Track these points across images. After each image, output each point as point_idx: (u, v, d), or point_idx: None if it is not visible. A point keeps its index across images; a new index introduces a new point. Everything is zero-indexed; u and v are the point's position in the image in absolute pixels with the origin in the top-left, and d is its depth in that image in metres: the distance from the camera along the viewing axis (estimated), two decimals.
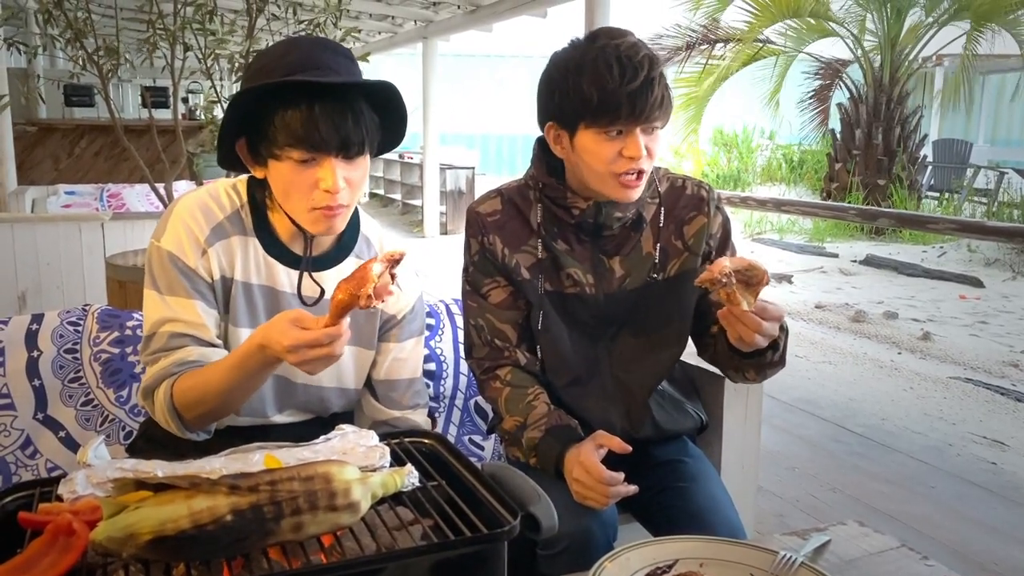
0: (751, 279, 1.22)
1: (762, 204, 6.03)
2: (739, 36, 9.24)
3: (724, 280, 1.19)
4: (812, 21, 9.37)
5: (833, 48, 10.11)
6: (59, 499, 0.93)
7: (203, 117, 3.71)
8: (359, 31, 3.96)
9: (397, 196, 12.30)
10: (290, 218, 1.30)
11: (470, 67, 16.74)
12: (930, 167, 11.06)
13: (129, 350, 1.68)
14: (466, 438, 1.93)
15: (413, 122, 1.43)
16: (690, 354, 1.63)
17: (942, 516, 2.92)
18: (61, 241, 4.00)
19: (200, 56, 3.28)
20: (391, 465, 1.03)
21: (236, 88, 1.55)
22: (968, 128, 14.55)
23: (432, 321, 1.90)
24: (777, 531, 1.96)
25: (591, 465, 1.35)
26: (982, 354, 5.12)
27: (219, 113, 3.37)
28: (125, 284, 3.10)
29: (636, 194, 1.41)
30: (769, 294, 1.26)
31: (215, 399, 1.23)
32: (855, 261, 8.27)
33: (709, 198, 1.53)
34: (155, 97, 5.29)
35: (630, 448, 1.39)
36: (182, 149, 3.49)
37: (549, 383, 1.54)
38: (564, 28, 1.52)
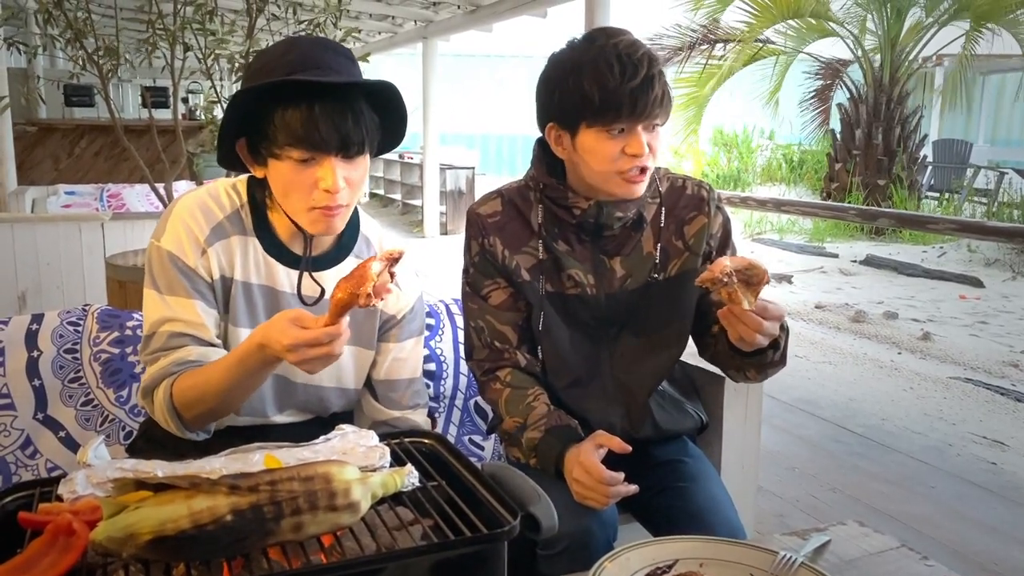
0: (751, 279, 1.22)
1: (762, 204, 6.03)
2: (739, 37, 9.23)
3: (725, 279, 1.19)
4: (812, 21, 9.37)
5: (833, 48, 10.11)
6: (59, 499, 0.93)
7: (203, 117, 3.71)
8: (359, 31, 3.96)
9: (397, 196, 12.30)
10: (290, 218, 1.30)
11: (470, 67, 16.74)
12: (930, 167, 11.06)
13: (129, 350, 1.68)
14: (466, 438, 1.93)
15: (413, 122, 1.43)
16: (690, 354, 1.63)
17: (942, 516, 2.92)
18: (61, 241, 4.00)
19: (200, 56, 3.28)
20: (391, 465, 1.03)
21: (236, 88, 1.55)
22: (968, 128, 14.55)
23: (432, 321, 1.90)
24: (777, 531, 1.96)
25: (591, 465, 1.35)
26: (982, 354, 5.12)
27: (219, 113, 3.37)
28: (125, 284, 3.10)
29: (641, 189, 1.41)
30: (769, 294, 1.26)
31: (214, 398, 1.23)
32: (855, 261, 8.27)
33: (709, 198, 1.53)
34: (155, 97, 5.29)
35: (630, 448, 1.39)
36: (182, 149, 3.49)
37: (549, 384, 1.54)
38: (564, 28, 1.52)
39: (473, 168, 10.69)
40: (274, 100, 1.20)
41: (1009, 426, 3.90)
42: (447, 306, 1.96)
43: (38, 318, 1.68)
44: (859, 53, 9.73)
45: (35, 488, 1.01)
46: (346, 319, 1.10)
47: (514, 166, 16.57)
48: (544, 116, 1.45)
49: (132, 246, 3.78)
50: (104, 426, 1.66)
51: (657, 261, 1.49)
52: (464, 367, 1.89)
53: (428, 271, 6.68)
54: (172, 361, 1.26)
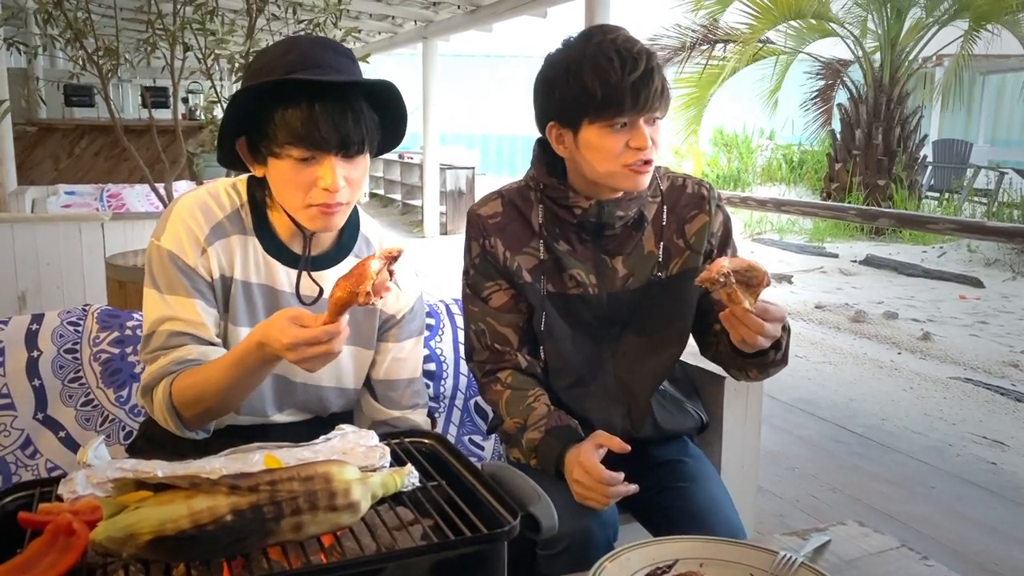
0: (751, 280, 1.22)
1: (762, 204, 6.03)
2: (739, 37, 9.23)
3: (723, 280, 1.19)
4: (813, 22, 9.37)
5: (834, 48, 10.11)
6: (59, 499, 0.93)
7: (203, 117, 3.71)
8: (359, 31, 3.96)
9: (397, 196, 12.30)
10: (289, 216, 1.30)
11: (470, 67, 16.74)
12: (930, 167, 11.06)
13: (129, 350, 1.68)
14: (466, 438, 1.93)
15: (413, 122, 1.43)
16: (690, 354, 1.63)
17: (942, 516, 2.92)
18: (61, 241, 4.00)
19: (200, 56, 3.28)
20: (391, 465, 1.03)
21: (236, 88, 1.55)
22: (968, 128, 14.55)
23: (432, 321, 1.90)
24: (777, 531, 1.96)
25: (591, 465, 1.35)
26: (982, 354, 5.12)
27: (219, 113, 3.37)
28: (125, 284, 3.10)
29: (646, 181, 1.41)
30: (769, 294, 1.25)
31: (214, 397, 1.23)
32: (855, 261, 8.27)
33: (710, 196, 1.53)
34: (155, 97, 5.29)
35: (629, 448, 1.39)
36: (182, 149, 3.49)
37: (550, 385, 1.54)
38: (564, 28, 1.52)
39: (473, 168, 10.69)
40: (274, 99, 1.20)
41: (1009, 426, 3.90)
42: (447, 306, 1.96)
43: (38, 318, 1.68)
44: (859, 53, 9.73)
45: (35, 488, 1.01)
46: (345, 317, 1.10)
47: (514, 166, 16.57)
48: (544, 115, 1.45)
49: (132, 246, 3.78)
50: (104, 426, 1.66)
51: (660, 260, 1.50)
52: (464, 367, 1.89)
53: (428, 271, 6.68)
54: (172, 360, 1.26)
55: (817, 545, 1.15)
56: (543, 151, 1.51)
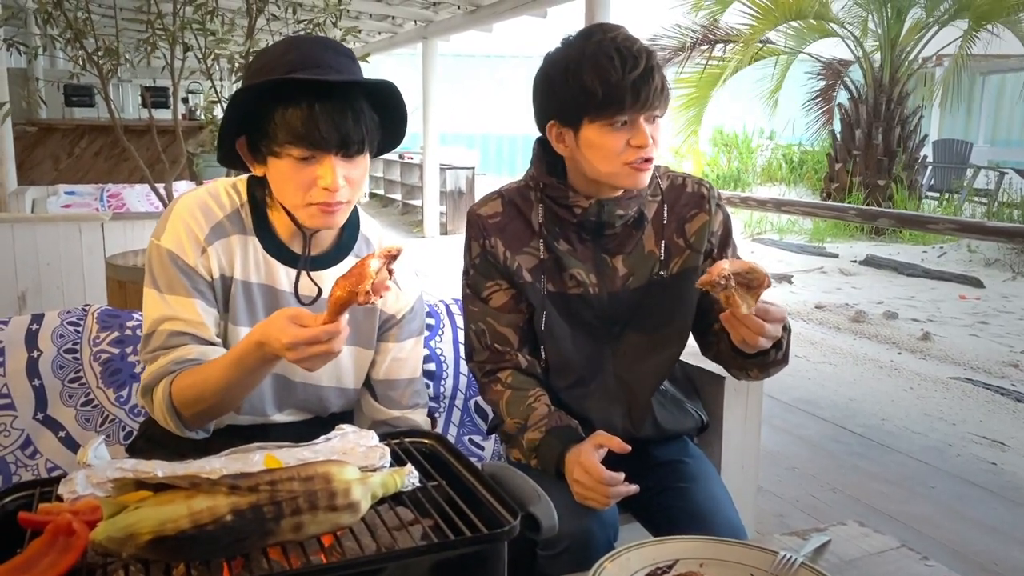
0: (752, 282, 1.22)
1: (762, 204, 6.03)
2: (740, 37, 9.23)
3: (723, 283, 1.19)
4: (813, 22, 9.37)
5: (834, 48, 10.11)
6: (59, 499, 0.93)
7: (203, 117, 3.71)
8: (359, 31, 3.96)
9: (397, 196, 12.30)
10: (289, 214, 1.30)
11: (470, 67, 16.74)
12: (930, 167, 11.06)
13: (129, 350, 1.68)
14: (466, 438, 1.93)
15: (413, 122, 1.43)
16: (689, 354, 1.63)
17: (942, 516, 2.92)
18: (61, 241, 4.00)
19: (200, 56, 3.28)
20: (391, 465, 1.03)
21: (236, 88, 1.55)
22: (968, 128, 14.55)
23: (432, 321, 1.90)
24: (777, 531, 1.96)
25: (591, 466, 1.35)
26: (982, 354, 5.12)
27: (219, 113, 3.37)
28: (125, 284, 3.10)
29: (647, 179, 1.41)
30: (769, 294, 1.25)
31: (213, 397, 1.23)
32: (855, 261, 8.27)
33: (710, 195, 1.53)
34: (155, 97, 5.29)
35: (629, 448, 1.39)
36: (182, 149, 3.49)
37: (551, 385, 1.54)
38: (564, 28, 1.52)
39: (473, 168, 10.68)
40: (275, 99, 1.20)
41: (1009, 426, 3.90)
42: (447, 306, 1.96)
43: (38, 318, 1.68)
44: (859, 53, 9.73)
45: (35, 488, 1.01)
46: (345, 317, 1.10)
47: (514, 166, 16.57)
48: (544, 114, 1.45)
49: (132, 246, 3.78)
50: (104, 426, 1.66)
51: (662, 259, 1.50)
52: (464, 367, 1.89)
53: (428, 271, 6.68)
54: (171, 360, 1.26)
55: (817, 545, 1.15)
56: (543, 150, 1.51)
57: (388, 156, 11.43)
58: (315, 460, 0.94)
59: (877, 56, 9.71)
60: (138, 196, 6.18)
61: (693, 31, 9.30)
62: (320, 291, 1.35)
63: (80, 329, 1.68)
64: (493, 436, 1.91)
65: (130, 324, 1.71)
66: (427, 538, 0.94)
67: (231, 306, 1.33)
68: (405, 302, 1.45)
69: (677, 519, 1.45)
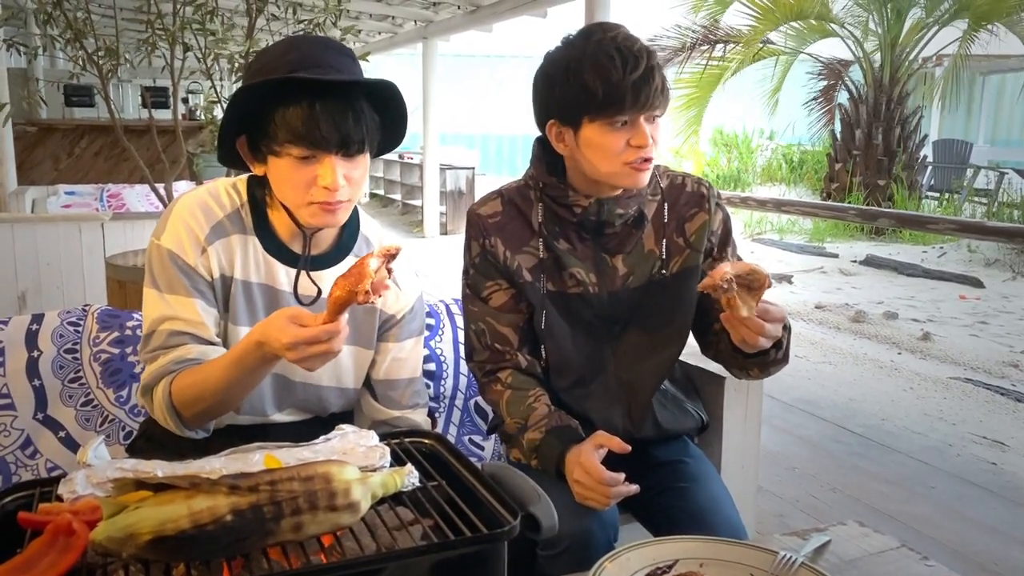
0: (752, 283, 1.22)
1: (762, 204, 6.03)
2: (740, 38, 9.23)
3: (725, 286, 1.19)
4: (814, 23, 9.37)
5: (834, 49, 10.11)
6: (59, 499, 0.93)
7: (203, 117, 3.71)
8: (359, 31, 3.96)
9: (397, 196, 12.30)
10: (289, 213, 1.30)
11: (470, 67, 16.73)
12: (930, 167, 11.06)
13: (129, 350, 1.68)
14: (466, 438, 1.93)
15: (413, 122, 1.43)
16: (689, 354, 1.63)
17: (942, 516, 2.92)
18: (61, 241, 4.00)
19: (200, 56, 3.28)
20: (391, 465, 1.03)
21: (236, 88, 1.55)
22: (968, 128, 14.56)
23: (432, 321, 1.90)
24: (777, 531, 1.96)
25: (591, 466, 1.35)
26: (982, 354, 5.12)
27: (219, 113, 3.37)
28: (125, 284, 3.10)
29: (646, 179, 1.42)
30: (769, 294, 1.25)
31: (213, 396, 1.23)
32: (855, 261, 8.27)
33: (709, 195, 1.53)
34: (155, 97, 5.29)
35: (629, 448, 1.39)
36: (182, 149, 3.49)
37: (551, 385, 1.54)
38: (564, 28, 1.52)
39: (473, 168, 10.68)
40: (275, 98, 1.20)
41: (1009, 426, 3.90)
42: (447, 306, 1.96)
43: (38, 318, 1.68)
44: (859, 53, 9.73)
45: (35, 488, 1.01)
46: (345, 316, 1.10)
47: (514, 166, 16.57)
48: (544, 113, 1.45)
49: (132, 246, 3.78)
50: (104, 426, 1.66)
51: (663, 258, 1.50)
52: (464, 367, 1.89)
53: (428, 271, 6.68)
54: (171, 359, 1.26)
55: (817, 545, 1.15)
56: (542, 150, 1.51)
57: (388, 156, 11.43)
58: (315, 460, 0.94)
59: (877, 56, 9.71)
60: (138, 196, 6.18)
61: (693, 31, 9.30)
62: (320, 291, 1.35)
63: (80, 329, 1.68)
64: (493, 436, 1.91)
65: (130, 324, 1.71)
66: (427, 538, 0.94)
67: (231, 306, 1.33)
68: (405, 302, 1.45)
69: (677, 519, 1.45)
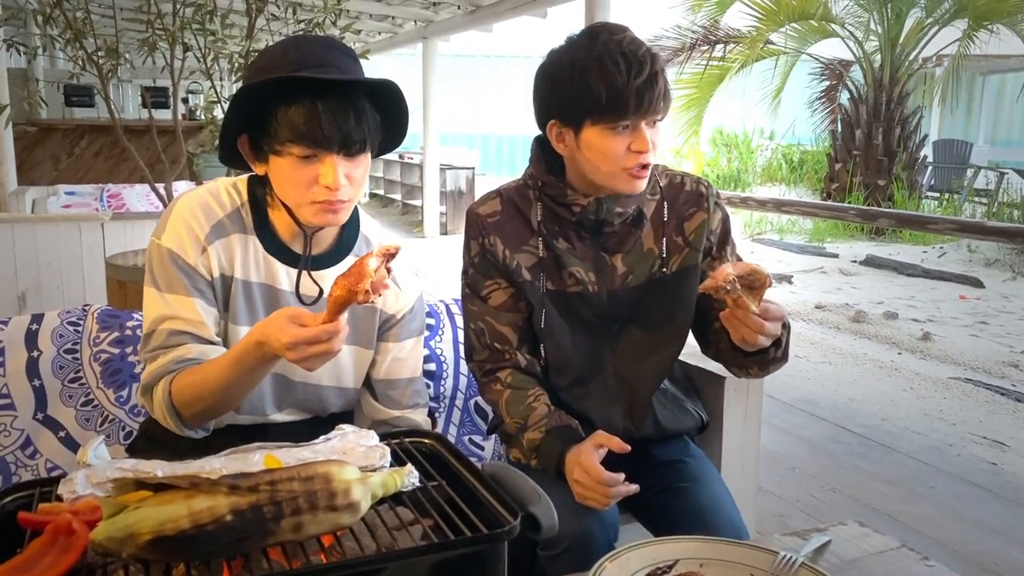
0: (754, 283, 1.22)
1: (762, 204, 6.03)
2: (741, 38, 9.23)
3: (728, 287, 1.20)
4: (815, 23, 9.37)
5: (834, 49, 10.11)
6: (59, 499, 0.93)
7: (203, 117, 3.71)
8: (359, 32, 3.96)
9: (397, 196, 12.30)
10: (290, 213, 1.30)
11: (470, 67, 16.73)
12: (930, 167, 11.06)
13: (129, 350, 1.68)
14: (466, 438, 1.93)
15: (413, 122, 1.43)
16: (689, 353, 1.63)
17: (942, 516, 2.92)
18: (61, 241, 4.00)
19: (200, 56, 3.28)
20: (391, 465, 1.03)
21: (236, 88, 1.55)
22: (968, 128, 14.56)
23: (432, 321, 1.90)
24: (777, 531, 1.96)
25: (590, 466, 1.35)
26: (982, 354, 5.12)
27: (219, 113, 3.38)
28: (125, 284, 3.10)
29: (643, 185, 1.42)
30: (769, 294, 1.26)
31: (213, 396, 1.23)
32: (855, 261, 8.27)
33: (708, 194, 1.53)
34: (155, 97, 5.28)
35: (629, 448, 1.39)
36: (182, 149, 3.49)
37: (551, 384, 1.54)
38: (564, 28, 1.51)
39: (473, 168, 10.68)
40: (277, 97, 1.20)
41: (1009, 426, 3.90)
42: (447, 306, 1.96)
43: (38, 318, 1.68)
44: (860, 54, 9.73)
45: (35, 488, 1.01)
46: (344, 316, 1.10)
47: (514, 166, 16.57)
48: (545, 113, 1.45)
49: (132, 246, 3.78)
50: (104, 426, 1.66)
51: (663, 257, 1.50)
52: (464, 367, 1.89)
53: (428, 271, 6.68)
54: (171, 359, 1.26)
55: (817, 545, 1.15)
56: (542, 149, 1.51)
57: (388, 156, 11.41)
58: (315, 460, 0.94)
59: (877, 57, 9.71)
60: (138, 196, 6.18)
61: (693, 32, 9.30)
62: (322, 291, 1.35)
63: (80, 329, 1.68)
64: (493, 436, 1.91)
65: (130, 324, 1.71)
66: (427, 538, 0.94)
67: (231, 305, 1.33)
68: (405, 302, 1.45)
69: (678, 519, 1.45)
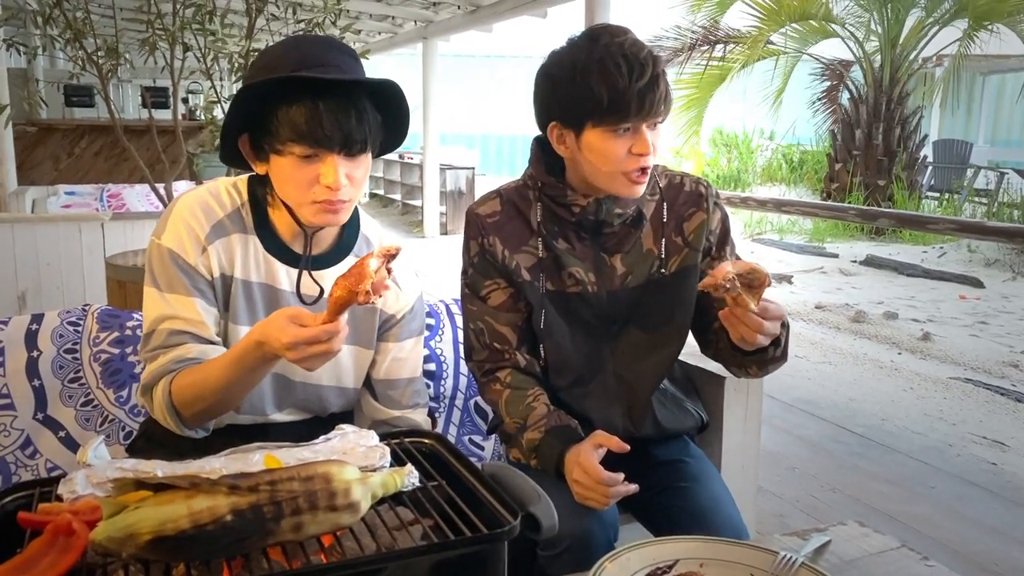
0: (753, 282, 1.22)
1: (762, 204, 6.03)
2: (741, 39, 9.23)
3: (728, 285, 1.20)
4: (816, 24, 9.37)
5: (835, 49, 10.11)
6: (59, 499, 0.93)
7: (203, 117, 3.71)
8: (359, 32, 3.97)
9: (397, 196, 12.30)
10: (291, 212, 1.30)
11: (470, 67, 16.73)
12: (930, 167, 11.06)
13: (129, 350, 1.68)
14: (466, 438, 1.93)
15: (413, 122, 1.43)
16: (689, 353, 1.63)
17: (942, 516, 2.92)
18: (61, 241, 4.00)
19: (200, 56, 3.28)
20: (391, 465, 1.03)
21: (236, 88, 1.55)
22: (968, 128, 14.56)
23: (432, 321, 1.90)
24: (777, 531, 1.96)
25: (589, 466, 1.35)
26: (982, 354, 5.12)
27: (219, 113, 3.38)
28: (125, 284, 3.10)
29: (642, 189, 1.42)
30: (769, 294, 1.26)
31: (213, 396, 1.23)
32: (855, 261, 8.27)
33: (707, 194, 1.53)
34: (155, 97, 5.29)
35: (628, 447, 1.39)
36: (182, 149, 3.49)
37: (550, 384, 1.54)
38: (564, 28, 1.52)
39: (473, 168, 10.68)
40: (278, 96, 1.20)
41: (1009, 426, 3.90)
42: (447, 306, 1.96)
43: (38, 318, 1.68)
44: (860, 54, 9.73)
45: (35, 488, 1.01)
46: (344, 316, 1.10)
47: (514, 166, 16.57)
48: (545, 114, 1.45)
49: (132, 246, 3.78)
50: (104, 426, 1.66)
51: (663, 257, 1.50)
52: (464, 367, 1.89)
53: (428, 271, 6.68)
54: (171, 359, 1.26)
55: (817, 545, 1.15)
56: (541, 150, 1.51)
57: (388, 156, 11.39)
58: (315, 460, 0.94)
59: (878, 57, 9.71)
60: (138, 196, 6.18)
61: (693, 32, 9.30)
62: (322, 291, 1.35)
63: (80, 329, 1.68)
64: (493, 436, 1.91)
65: (130, 324, 1.71)
66: (427, 538, 0.94)
67: (231, 305, 1.33)
68: (405, 302, 1.45)
69: (678, 519, 1.45)
